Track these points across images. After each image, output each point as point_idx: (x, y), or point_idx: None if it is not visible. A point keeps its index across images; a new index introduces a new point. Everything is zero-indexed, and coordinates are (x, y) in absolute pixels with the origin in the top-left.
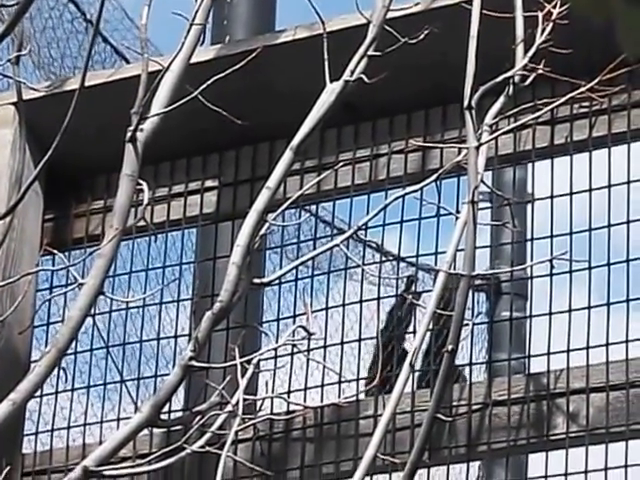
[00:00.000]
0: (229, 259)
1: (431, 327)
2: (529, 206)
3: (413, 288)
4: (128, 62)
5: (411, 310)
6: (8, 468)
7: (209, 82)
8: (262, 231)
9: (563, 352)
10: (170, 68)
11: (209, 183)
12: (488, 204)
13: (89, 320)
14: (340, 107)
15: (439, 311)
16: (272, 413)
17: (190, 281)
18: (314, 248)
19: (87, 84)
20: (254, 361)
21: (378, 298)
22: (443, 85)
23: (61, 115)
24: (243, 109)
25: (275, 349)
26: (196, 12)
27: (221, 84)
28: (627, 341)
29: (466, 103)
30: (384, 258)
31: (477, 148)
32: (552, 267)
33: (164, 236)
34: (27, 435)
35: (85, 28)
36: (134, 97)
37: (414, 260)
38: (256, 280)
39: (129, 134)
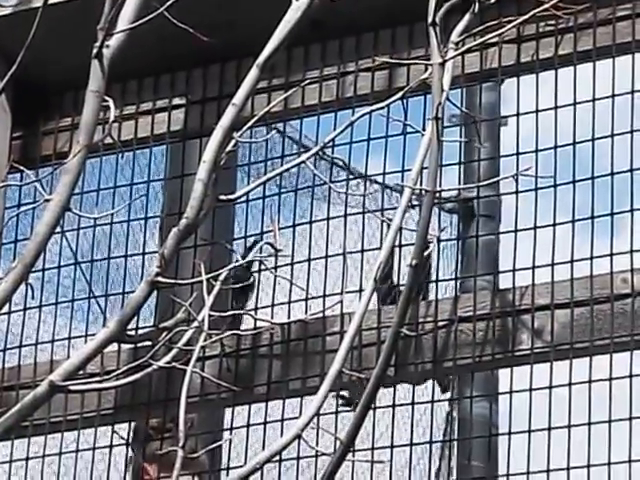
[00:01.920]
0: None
1: None
2: (502, 129)
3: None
4: None
5: None
6: None
7: None
8: (228, 148)
9: (528, 269)
10: None
11: (177, 101)
12: (457, 129)
13: (58, 238)
14: (307, 25)
15: (404, 227)
16: (239, 329)
17: (158, 199)
18: (282, 164)
19: (53, 0)
20: (221, 277)
21: (345, 215)
22: (410, 2)
23: (28, 32)
24: (211, 27)
25: (242, 265)
26: None
27: (188, 1)
28: (592, 258)
29: (430, 19)
30: (351, 176)
31: (442, 65)
32: (517, 183)
33: (132, 154)
34: None
35: None
36: (101, 13)
37: (381, 178)
38: (222, 197)
39: (95, 50)
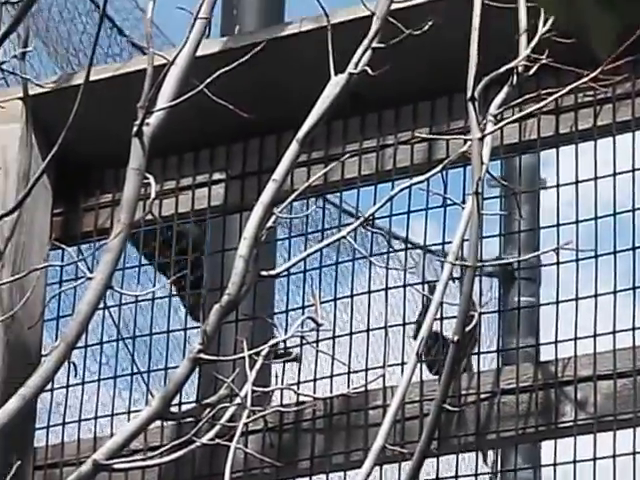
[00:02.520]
0: (237, 251)
1: None
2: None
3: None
4: (144, 53)
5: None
6: (19, 463)
7: (214, 76)
8: (269, 223)
9: (570, 340)
10: (175, 62)
11: (217, 176)
12: (497, 192)
13: (100, 313)
14: (346, 98)
15: (446, 301)
16: (282, 405)
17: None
18: (322, 238)
19: (94, 78)
20: (263, 353)
21: (386, 289)
22: (448, 75)
23: (68, 110)
24: (250, 102)
25: (284, 341)
26: (200, 5)
27: (228, 77)
28: (634, 328)
29: (469, 95)
30: (392, 249)
31: (481, 139)
32: (558, 256)
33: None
34: (39, 429)
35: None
36: (141, 89)
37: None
38: (263, 272)
39: (135, 128)
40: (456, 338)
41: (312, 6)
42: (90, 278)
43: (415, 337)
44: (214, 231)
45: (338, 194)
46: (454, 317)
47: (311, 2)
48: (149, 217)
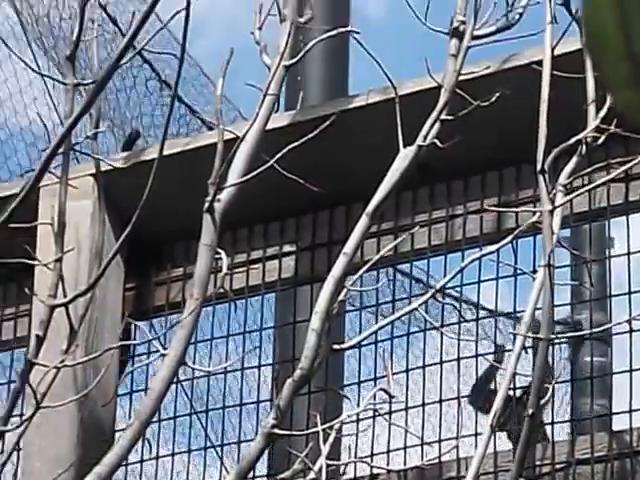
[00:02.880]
0: (309, 324)
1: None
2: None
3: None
4: (203, 121)
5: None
6: None
7: (284, 151)
8: (340, 296)
9: None
10: (245, 138)
11: (287, 248)
12: (567, 255)
13: (172, 386)
14: (415, 169)
15: (518, 372)
16: (355, 478)
17: (270, 345)
18: (392, 307)
19: (163, 153)
20: (336, 427)
21: (458, 359)
22: (516, 146)
23: (138, 185)
24: (318, 174)
25: (357, 414)
26: (269, 83)
27: (296, 150)
28: None
29: (539, 167)
30: (462, 318)
31: (551, 212)
32: (630, 325)
33: (244, 302)
34: None
35: (160, 88)
36: (210, 163)
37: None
38: (336, 346)
39: (206, 205)
40: (531, 411)
41: (376, 74)
42: (164, 355)
43: (471, 403)
44: (284, 303)
45: (408, 264)
46: (525, 387)
47: (375, 70)
48: (220, 291)
